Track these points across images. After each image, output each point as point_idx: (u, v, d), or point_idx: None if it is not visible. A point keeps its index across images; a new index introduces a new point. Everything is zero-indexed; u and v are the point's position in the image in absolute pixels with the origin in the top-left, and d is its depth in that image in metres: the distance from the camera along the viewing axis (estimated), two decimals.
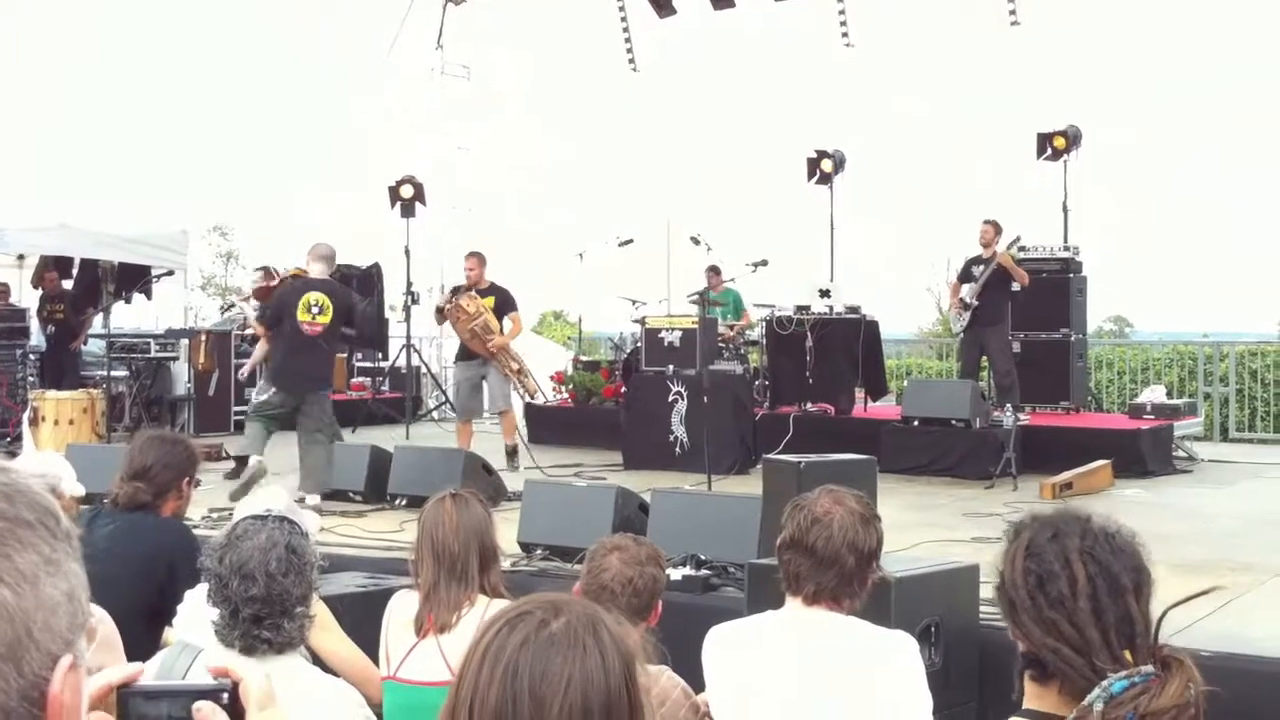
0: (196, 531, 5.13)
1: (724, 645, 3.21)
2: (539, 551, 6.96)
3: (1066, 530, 2.11)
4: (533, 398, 11.49)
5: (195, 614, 3.32)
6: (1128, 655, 1.92)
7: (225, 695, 1.18)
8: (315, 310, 9.23)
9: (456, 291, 10.97)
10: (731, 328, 13.17)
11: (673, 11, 15.54)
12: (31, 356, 13.92)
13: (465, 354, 11.13)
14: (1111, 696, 1.76)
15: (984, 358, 12.17)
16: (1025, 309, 12.15)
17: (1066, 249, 12.80)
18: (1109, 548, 2.08)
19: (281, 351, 9.44)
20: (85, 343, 14.19)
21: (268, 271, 11.14)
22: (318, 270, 9.51)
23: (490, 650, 1.48)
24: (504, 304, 11.00)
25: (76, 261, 14.68)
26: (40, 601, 0.89)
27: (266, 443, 9.33)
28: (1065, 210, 13.34)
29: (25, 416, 11.85)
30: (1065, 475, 9.77)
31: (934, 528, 8.12)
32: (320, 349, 9.39)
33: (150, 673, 1.23)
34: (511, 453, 11.03)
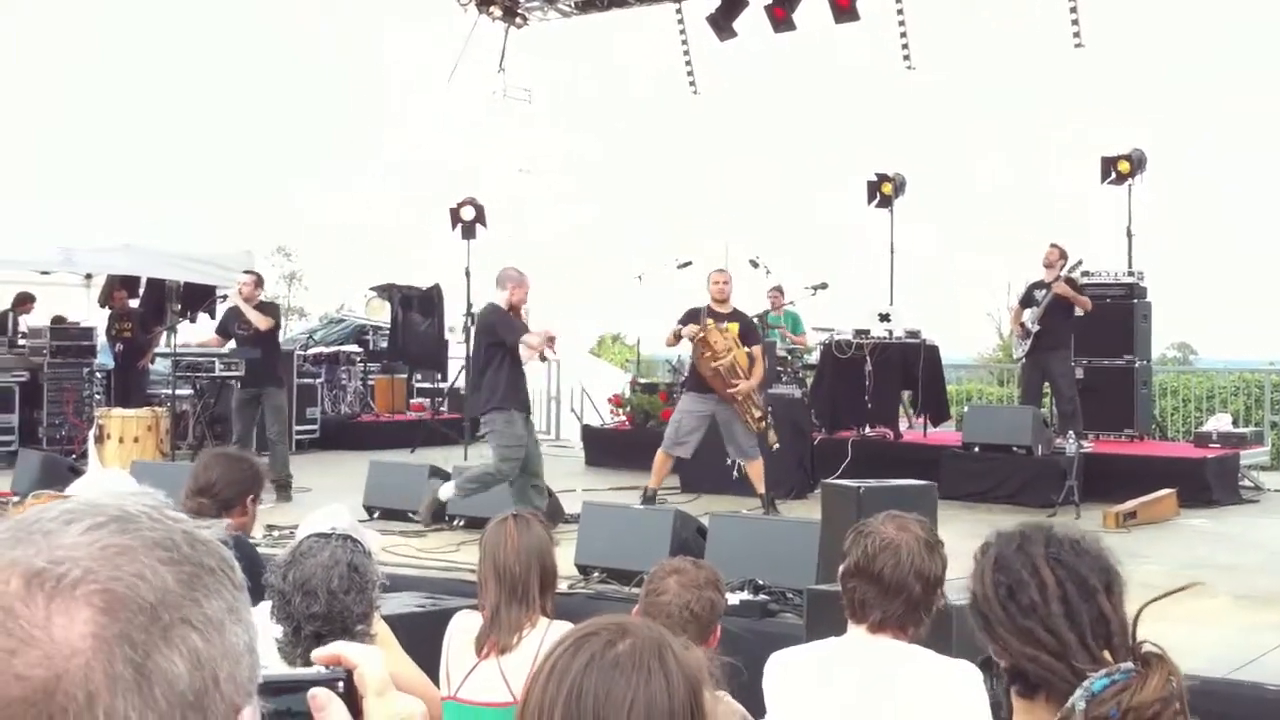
0: (258, 549, 5.18)
1: (786, 672, 3.18)
2: (596, 574, 6.96)
3: (1030, 539, 2.14)
4: (773, 449, 10.03)
5: (259, 631, 3.35)
6: (1107, 655, 1.92)
7: (340, 684, 1.15)
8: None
9: (697, 316, 9.73)
10: (789, 350, 13.12)
11: (733, 34, 15.59)
12: (98, 375, 14.15)
13: (699, 385, 9.91)
14: (1093, 695, 1.76)
15: (1046, 384, 12.05)
16: (1088, 335, 12.02)
17: (1130, 274, 12.66)
18: (1074, 551, 2.10)
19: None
20: (153, 361, 14.39)
21: (258, 278, 11.27)
22: (494, 298, 9.18)
23: (556, 670, 1.49)
24: (748, 334, 9.87)
25: (143, 281, 14.90)
26: (226, 650, 0.88)
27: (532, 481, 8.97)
28: (1129, 235, 13.20)
29: (91, 434, 12.03)
30: (1129, 504, 9.63)
31: None
32: (475, 376, 9.31)
33: None
34: (770, 502, 9.79)
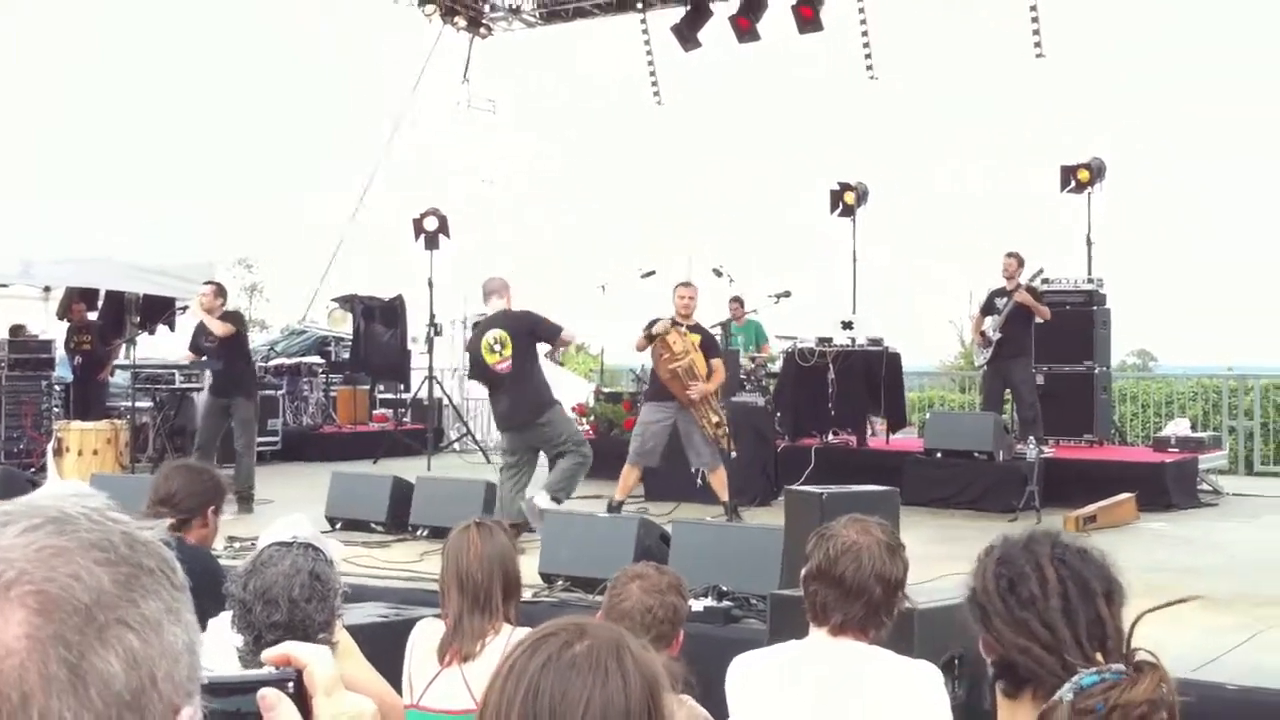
0: (220, 559, 5.15)
1: (748, 675, 3.19)
2: (560, 582, 6.96)
3: (1037, 539, 2.17)
4: (730, 456, 10.08)
5: (219, 641, 3.33)
6: (1099, 658, 1.93)
7: (290, 684, 1.15)
8: (498, 348, 9.00)
9: (655, 323, 9.84)
10: (753, 359, 13.17)
11: (698, 44, 15.66)
12: (57, 387, 14.01)
13: (658, 394, 10.00)
14: (1081, 689, 1.78)
15: (1007, 391, 12.14)
16: (1049, 342, 12.12)
17: (1090, 281, 12.77)
18: (1080, 556, 2.12)
19: (494, 400, 9.35)
20: (113, 374, 14.27)
21: (218, 288, 11.18)
22: (493, 306, 9.30)
23: (514, 671, 1.49)
24: (709, 347, 10.01)
25: (102, 293, 14.77)
26: (164, 649, 0.88)
27: (518, 500, 8.95)
28: (1089, 243, 13.32)
29: (50, 447, 11.92)
30: (1089, 508, 9.71)
31: (957, 560, 8.00)
32: (517, 382, 9.05)
33: None
34: (734, 509, 9.81)
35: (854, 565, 3.03)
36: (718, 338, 10.77)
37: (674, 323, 9.83)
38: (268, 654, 1.18)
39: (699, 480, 10.31)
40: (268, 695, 1.14)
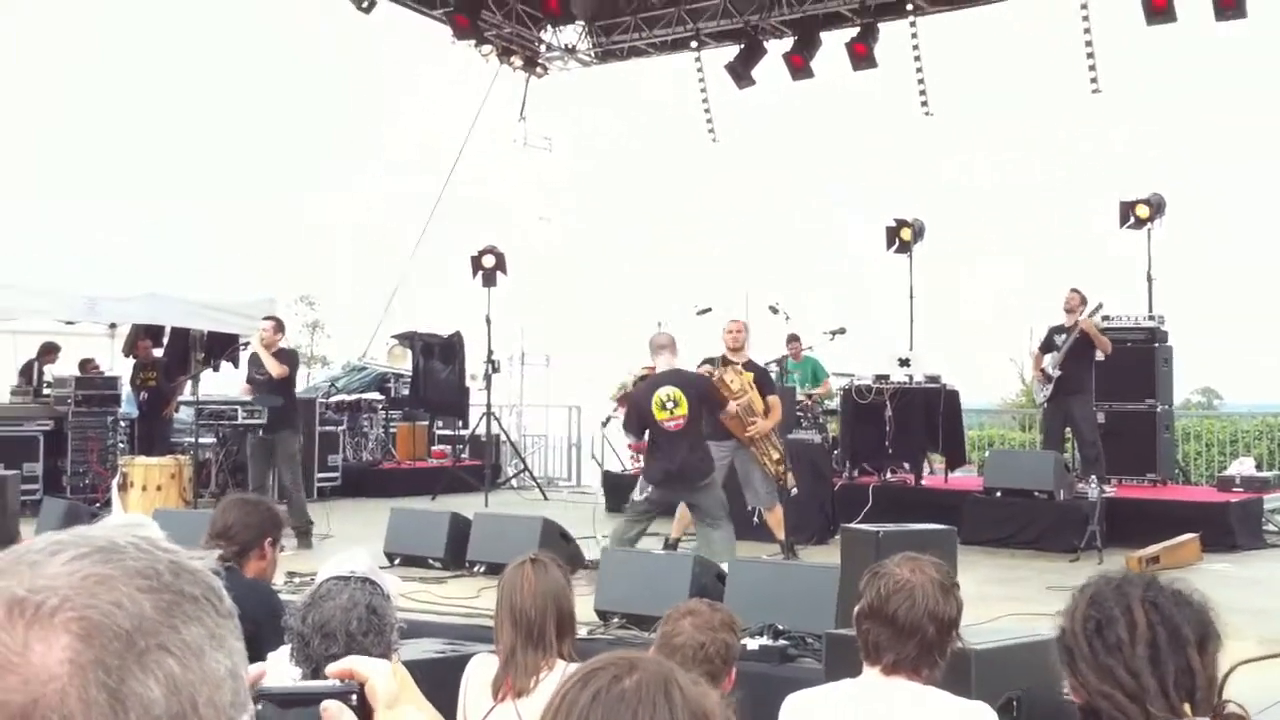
0: (279, 594, 5.20)
1: (801, 713, 3.18)
2: (616, 620, 6.96)
3: (1131, 580, 2.12)
4: (791, 493, 9.96)
5: (277, 674, 3.37)
6: (1187, 709, 1.88)
7: (354, 696, 1.18)
8: (670, 405, 8.84)
9: (714, 362, 9.76)
10: (810, 396, 13.13)
11: (752, 82, 15.73)
12: (122, 423, 14.23)
13: (715, 433, 9.61)
14: None
15: (1067, 428, 12.02)
16: (1110, 379, 12.00)
17: (1151, 318, 12.65)
18: (1174, 600, 2.06)
19: (655, 454, 9.03)
20: (177, 409, 14.47)
21: (278, 323, 11.29)
22: (663, 362, 9.13)
23: (564, 703, 1.51)
24: (764, 384, 9.88)
25: (167, 330, 15.00)
26: (205, 675, 0.89)
27: (636, 542, 8.98)
28: (1150, 279, 13.19)
29: (115, 482, 12.09)
30: (1152, 549, 9.57)
31: (1016, 601, 7.98)
32: (690, 442, 8.88)
33: None
34: (790, 547, 9.80)
35: (907, 604, 3.01)
36: (774, 374, 10.73)
37: (725, 361, 9.77)
38: (332, 667, 1.21)
39: (755, 519, 10.26)
40: (330, 707, 1.18)
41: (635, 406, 9.08)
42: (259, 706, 1.18)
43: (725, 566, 8.08)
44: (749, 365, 9.89)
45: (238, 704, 0.92)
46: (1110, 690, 1.98)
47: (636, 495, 9.09)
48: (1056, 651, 2.12)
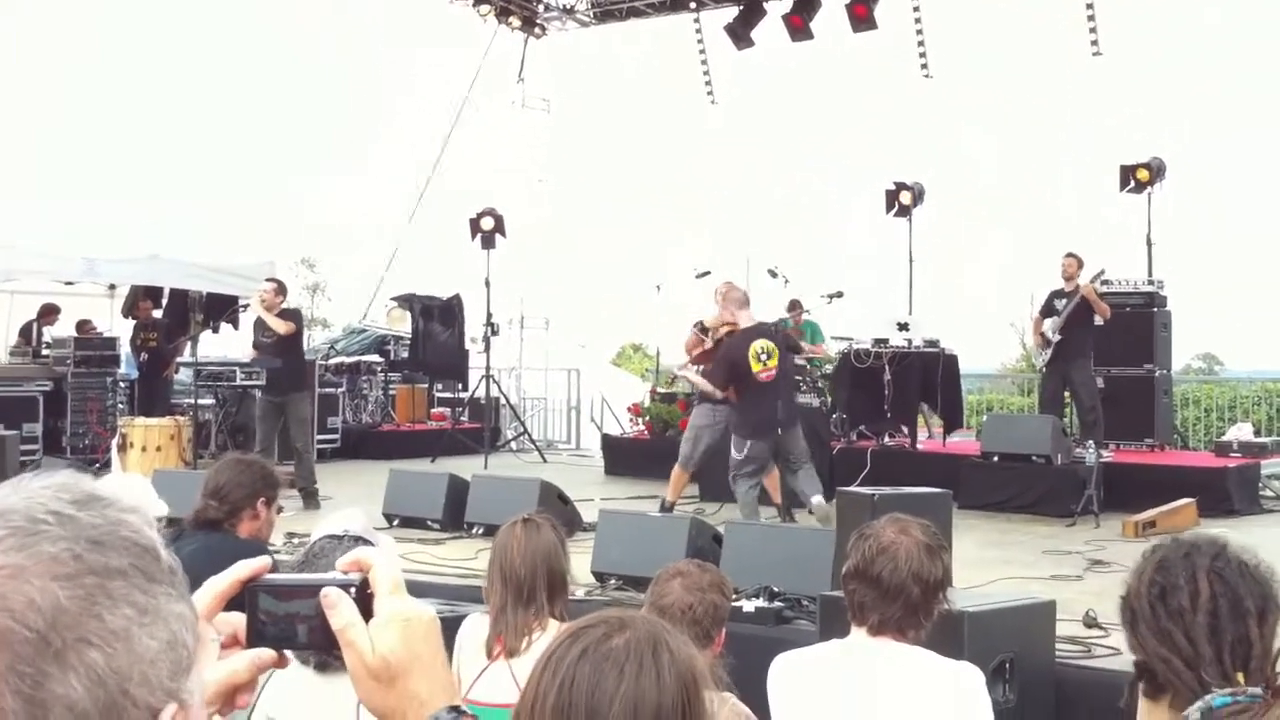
0: (276, 555, 5.22)
1: (789, 674, 3.20)
2: (612, 581, 6.99)
3: (1200, 549, 2.13)
4: None
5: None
6: (1240, 678, 1.91)
7: (353, 590, 1.18)
8: (764, 358, 9.27)
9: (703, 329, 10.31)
10: (809, 359, 13.11)
11: (751, 43, 15.66)
12: (121, 384, 14.25)
13: (709, 397, 10.08)
14: (1210, 709, 1.75)
15: (1066, 393, 12.03)
16: (1109, 344, 11.99)
17: (1151, 283, 12.63)
18: (1240, 572, 2.09)
19: (750, 406, 9.41)
20: (177, 371, 14.50)
21: (279, 285, 11.27)
22: (746, 317, 9.57)
23: (552, 660, 1.52)
24: (786, 345, 10.19)
25: (166, 291, 15.00)
26: (135, 657, 0.86)
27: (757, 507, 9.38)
28: (1149, 244, 13.16)
29: (114, 442, 12.12)
30: (1149, 514, 9.59)
31: (1012, 565, 8.02)
32: (782, 390, 9.52)
33: None
34: (787, 510, 9.83)
35: (890, 566, 3.02)
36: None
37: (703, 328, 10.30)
38: (341, 560, 1.22)
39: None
40: (330, 594, 1.18)
41: (729, 360, 9.39)
42: (260, 596, 1.18)
43: (817, 499, 8.84)
44: (760, 328, 9.76)
45: (179, 671, 0.89)
46: (1168, 655, 2.02)
47: (737, 455, 9.33)
48: (1120, 612, 2.15)
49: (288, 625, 1.19)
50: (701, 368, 10.48)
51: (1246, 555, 2.13)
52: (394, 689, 1.19)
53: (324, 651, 1.24)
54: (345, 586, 1.19)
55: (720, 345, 9.77)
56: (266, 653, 1.18)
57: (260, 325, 11.16)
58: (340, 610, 1.18)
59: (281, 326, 10.85)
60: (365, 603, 1.19)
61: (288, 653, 1.21)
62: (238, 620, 1.19)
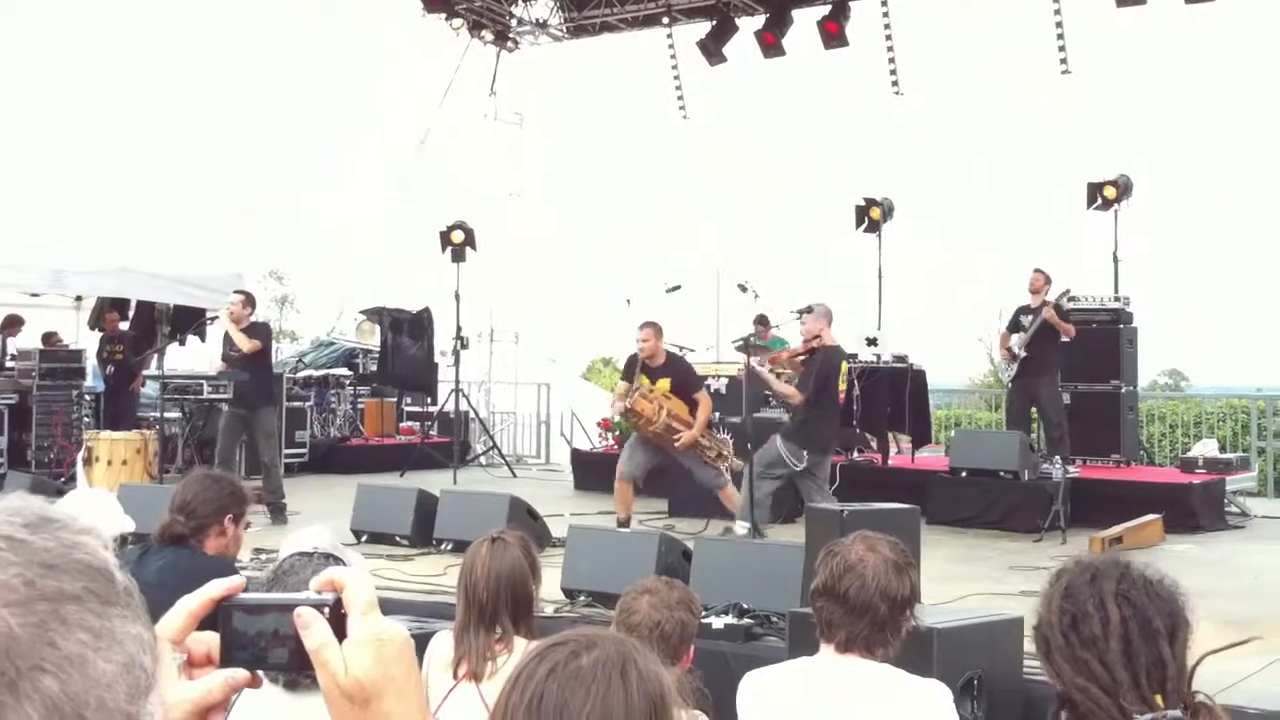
0: (244, 571, 5.18)
1: (758, 691, 3.20)
2: (581, 597, 6.97)
3: (1105, 573, 2.14)
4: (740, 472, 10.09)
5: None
6: (1159, 700, 1.92)
7: (327, 609, 1.19)
8: (845, 381, 9.71)
9: (634, 367, 9.94)
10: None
11: (723, 59, 15.71)
12: (87, 397, 14.14)
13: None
14: None
15: (1033, 409, 12.10)
16: (1075, 360, 12.08)
17: (1117, 299, 12.73)
18: (1146, 592, 2.10)
19: (827, 420, 9.67)
20: (144, 384, 14.40)
21: (247, 297, 11.20)
22: (829, 337, 9.78)
23: (521, 678, 1.52)
24: (684, 383, 9.99)
25: (133, 303, 14.90)
26: (91, 682, 0.85)
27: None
28: (1116, 260, 13.27)
29: (79, 456, 12.02)
30: (1115, 529, 9.66)
31: (980, 580, 8.05)
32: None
33: None
34: (754, 527, 9.69)
35: (858, 583, 3.04)
36: (715, 351, 10.92)
37: (643, 368, 9.86)
38: (315, 580, 1.22)
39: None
40: (303, 613, 1.18)
41: (826, 373, 9.50)
42: (234, 615, 1.18)
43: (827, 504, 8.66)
44: (666, 368, 9.91)
45: (137, 693, 0.88)
46: (1086, 684, 2.03)
47: (787, 460, 9.42)
48: (1034, 641, 2.16)
49: (261, 645, 1.19)
50: (770, 368, 10.53)
51: (1150, 573, 2.16)
52: (367, 710, 1.19)
53: (297, 671, 1.23)
54: (319, 606, 1.19)
55: (815, 355, 9.72)
56: (240, 672, 1.18)
57: (229, 340, 11.10)
58: (314, 630, 1.18)
59: (246, 344, 10.77)
60: (339, 622, 1.19)
61: (259, 672, 1.21)
62: (211, 639, 1.19)
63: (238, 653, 1.18)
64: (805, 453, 9.37)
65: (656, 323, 10.04)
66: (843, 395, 9.67)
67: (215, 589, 1.19)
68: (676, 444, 9.78)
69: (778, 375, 10.35)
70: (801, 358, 9.93)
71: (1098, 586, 2.10)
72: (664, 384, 9.86)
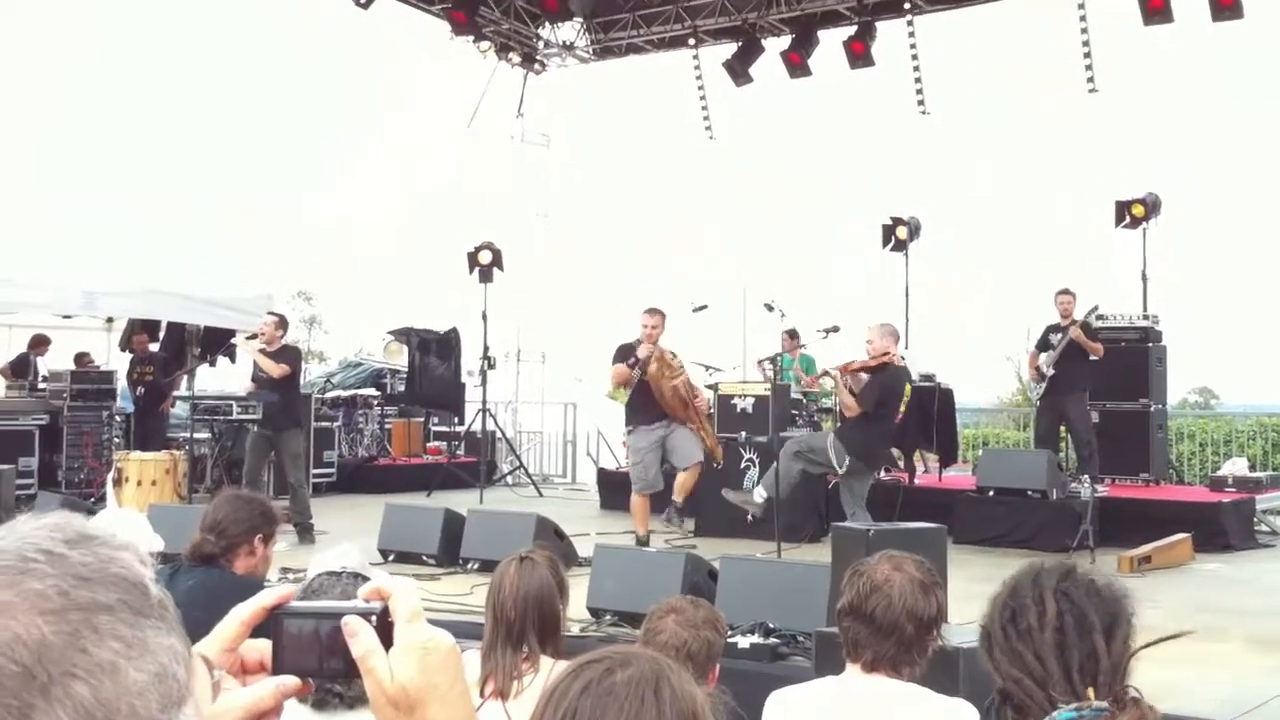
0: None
1: (785, 710, 3.20)
2: (607, 617, 6.98)
3: (1048, 572, 2.18)
4: (717, 465, 10.83)
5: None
6: (1090, 693, 1.93)
7: (374, 617, 1.21)
8: (906, 404, 9.81)
9: (631, 351, 10.23)
10: (804, 393, 13.13)
11: (749, 79, 15.74)
12: (117, 418, 14.24)
13: (642, 418, 10.30)
14: None
15: (1062, 427, 12.05)
16: (1104, 379, 12.02)
17: (1146, 318, 12.67)
18: (1087, 591, 2.12)
19: (882, 435, 9.84)
20: (174, 404, 14.48)
21: (280, 319, 11.26)
22: (898, 356, 9.86)
23: (555, 695, 1.53)
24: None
25: (163, 324, 15.00)
26: (123, 690, 0.86)
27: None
28: (1144, 279, 13.22)
29: (109, 477, 12.09)
30: (1144, 548, 9.60)
31: None
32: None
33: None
34: (681, 510, 10.55)
35: (884, 603, 3.03)
36: (769, 371, 10.98)
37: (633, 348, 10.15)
38: (364, 589, 1.25)
39: (749, 518, 10.31)
40: (350, 621, 1.20)
41: (892, 388, 9.56)
42: (287, 623, 1.21)
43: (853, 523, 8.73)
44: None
45: (169, 704, 0.90)
46: (1020, 675, 2.04)
47: (831, 456, 9.53)
48: (979, 640, 2.19)
49: (314, 653, 1.22)
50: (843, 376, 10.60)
51: (1097, 577, 2.18)
52: (412, 717, 1.21)
53: (344, 679, 1.26)
54: (366, 614, 1.21)
55: (883, 371, 9.75)
56: (291, 679, 1.20)
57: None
58: (361, 638, 1.20)
59: (275, 370, 10.82)
60: (385, 631, 1.22)
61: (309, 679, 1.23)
62: (264, 646, 1.22)
63: (290, 660, 1.21)
64: (849, 458, 9.40)
65: (660, 309, 10.34)
66: (901, 413, 9.71)
67: (268, 597, 1.22)
68: (696, 403, 10.25)
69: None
70: (865, 373, 9.97)
71: (1040, 583, 2.13)
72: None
